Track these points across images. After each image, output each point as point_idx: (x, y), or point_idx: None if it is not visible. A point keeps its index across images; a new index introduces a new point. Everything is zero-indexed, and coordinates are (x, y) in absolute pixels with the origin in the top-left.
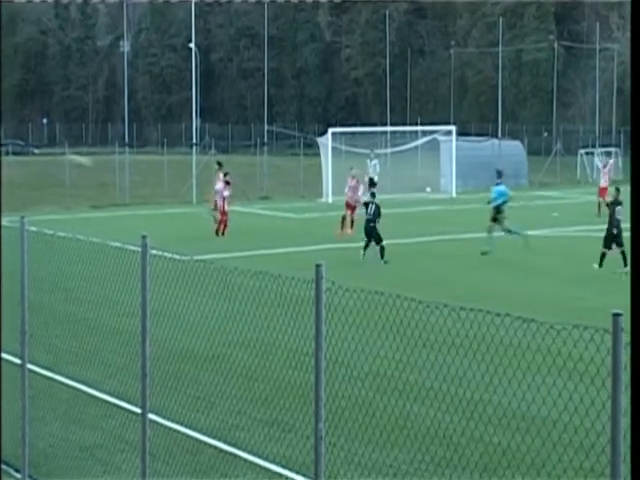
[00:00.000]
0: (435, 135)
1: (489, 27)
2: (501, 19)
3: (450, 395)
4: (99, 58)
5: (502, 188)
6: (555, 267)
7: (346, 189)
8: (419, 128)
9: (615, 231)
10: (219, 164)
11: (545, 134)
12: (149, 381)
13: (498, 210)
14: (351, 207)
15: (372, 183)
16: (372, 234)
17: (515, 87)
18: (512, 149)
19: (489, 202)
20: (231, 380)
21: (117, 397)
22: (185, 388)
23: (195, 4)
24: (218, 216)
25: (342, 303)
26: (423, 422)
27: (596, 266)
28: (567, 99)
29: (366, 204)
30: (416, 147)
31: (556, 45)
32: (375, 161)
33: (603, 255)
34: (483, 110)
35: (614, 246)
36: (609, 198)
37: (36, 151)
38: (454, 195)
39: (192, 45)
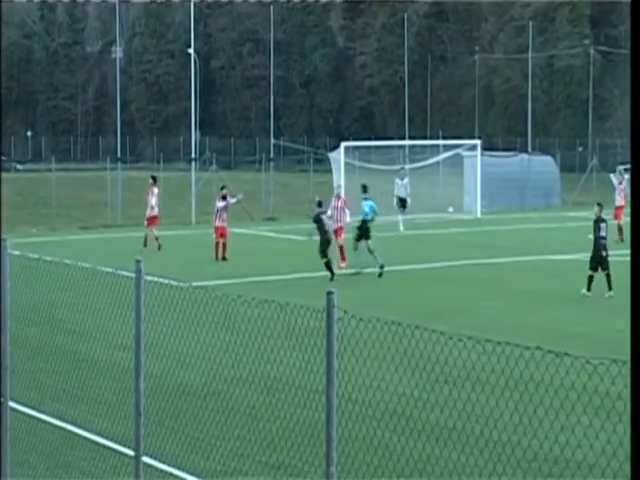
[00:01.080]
0: (458, 150)
1: (518, 31)
2: (531, 22)
3: (475, 436)
4: (89, 65)
5: (371, 203)
6: (590, 295)
7: (329, 212)
8: (440, 142)
9: (604, 253)
10: (153, 178)
11: (580, 149)
12: (143, 420)
13: (364, 227)
14: (338, 232)
15: (403, 204)
16: (328, 248)
17: (546, 97)
18: (543, 165)
19: (371, 220)
20: (233, 419)
21: (108, 438)
22: (183, 428)
23: (194, 6)
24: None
25: (356, 334)
26: (445, 466)
27: (585, 291)
28: (604, 110)
29: (318, 219)
30: (437, 163)
31: (592, 50)
32: (406, 180)
33: (591, 278)
34: (511, 122)
35: (599, 269)
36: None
37: (19, 167)
38: (479, 215)
39: (191, 51)
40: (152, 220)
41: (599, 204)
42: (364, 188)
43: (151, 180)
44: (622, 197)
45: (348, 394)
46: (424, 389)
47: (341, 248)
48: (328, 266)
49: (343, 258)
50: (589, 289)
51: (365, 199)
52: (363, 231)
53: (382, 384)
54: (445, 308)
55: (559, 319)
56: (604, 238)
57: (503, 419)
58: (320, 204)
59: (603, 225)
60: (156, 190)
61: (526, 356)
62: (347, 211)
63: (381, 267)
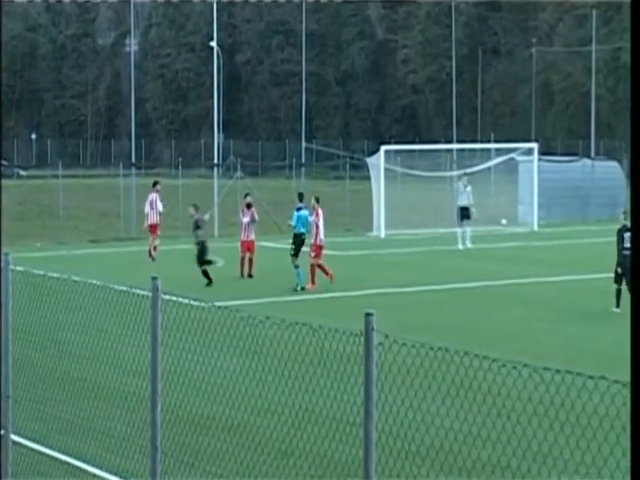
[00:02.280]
0: (512, 154)
1: (580, 21)
2: (594, 11)
3: (531, 476)
4: (100, 60)
5: (305, 213)
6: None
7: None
8: (492, 146)
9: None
10: (155, 183)
11: None
12: (160, 456)
13: (297, 241)
14: (317, 249)
15: (466, 214)
16: (204, 255)
17: (612, 95)
18: (608, 171)
19: (293, 226)
20: (261, 455)
21: (121, 475)
22: (204, 464)
23: None
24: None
25: (397, 361)
26: None
27: (614, 309)
28: None
29: (197, 224)
30: (489, 169)
31: None
32: (469, 187)
33: (618, 292)
34: (572, 123)
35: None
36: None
37: (23, 173)
38: (535, 228)
39: (213, 44)
40: (150, 229)
41: (625, 212)
42: (300, 196)
43: (154, 185)
44: None
45: (389, 428)
46: (474, 423)
47: (312, 267)
48: (205, 273)
49: (313, 280)
50: (618, 305)
51: (298, 209)
52: (297, 245)
53: (427, 417)
54: (498, 331)
55: (625, 344)
56: (628, 249)
57: (563, 457)
58: (196, 208)
59: (628, 235)
60: (152, 196)
61: (589, 386)
62: (322, 222)
63: (302, 288)
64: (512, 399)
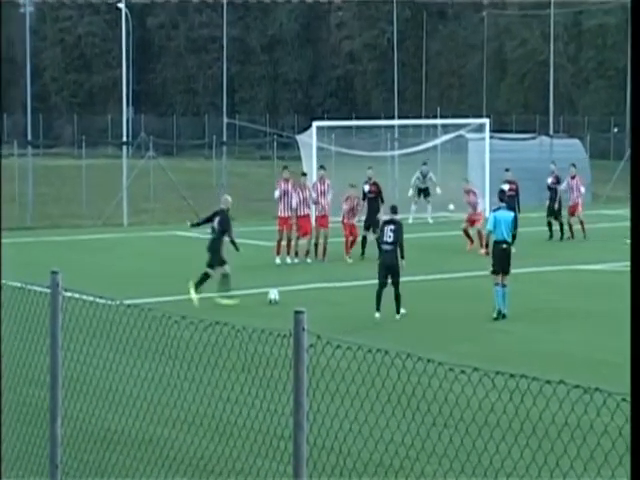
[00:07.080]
0: (461, 131)
1: None
2: None
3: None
4: None
5: None
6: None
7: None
8: (439, 121)
9: None
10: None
11: (615, 130)
12: (61, 476)
13: None
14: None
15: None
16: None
17: (573, 64)
18: (569, 150)
19: None
20: (176, 473)
21: None
22: None
23: None
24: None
25: (332, 365)
26: None
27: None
28: None
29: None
30: (435, 148)
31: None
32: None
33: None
34: (528, 96)
35: None
36: None
37: None
38: (487, 214)
39: (122, 5)
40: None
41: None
42: None
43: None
44: None
45: (322, 442)
46: (418, 435)
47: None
48: None
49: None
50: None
51: None
52: None
53: (364, 429)
54: (453, 334)
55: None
56: None
57: (517, 473)
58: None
59: None
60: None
61: (546, 393)
62: None
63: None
64: (460, 407)
